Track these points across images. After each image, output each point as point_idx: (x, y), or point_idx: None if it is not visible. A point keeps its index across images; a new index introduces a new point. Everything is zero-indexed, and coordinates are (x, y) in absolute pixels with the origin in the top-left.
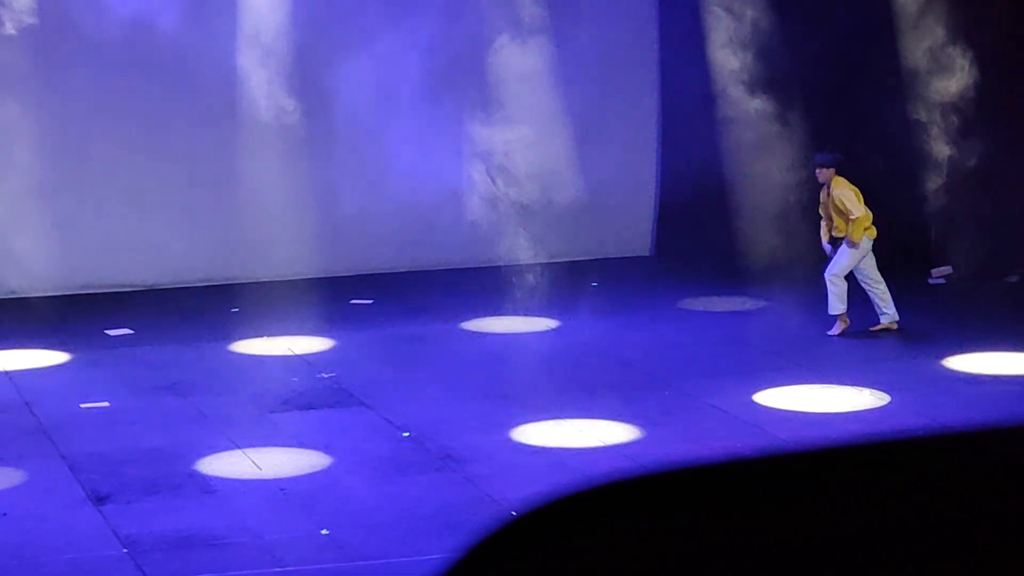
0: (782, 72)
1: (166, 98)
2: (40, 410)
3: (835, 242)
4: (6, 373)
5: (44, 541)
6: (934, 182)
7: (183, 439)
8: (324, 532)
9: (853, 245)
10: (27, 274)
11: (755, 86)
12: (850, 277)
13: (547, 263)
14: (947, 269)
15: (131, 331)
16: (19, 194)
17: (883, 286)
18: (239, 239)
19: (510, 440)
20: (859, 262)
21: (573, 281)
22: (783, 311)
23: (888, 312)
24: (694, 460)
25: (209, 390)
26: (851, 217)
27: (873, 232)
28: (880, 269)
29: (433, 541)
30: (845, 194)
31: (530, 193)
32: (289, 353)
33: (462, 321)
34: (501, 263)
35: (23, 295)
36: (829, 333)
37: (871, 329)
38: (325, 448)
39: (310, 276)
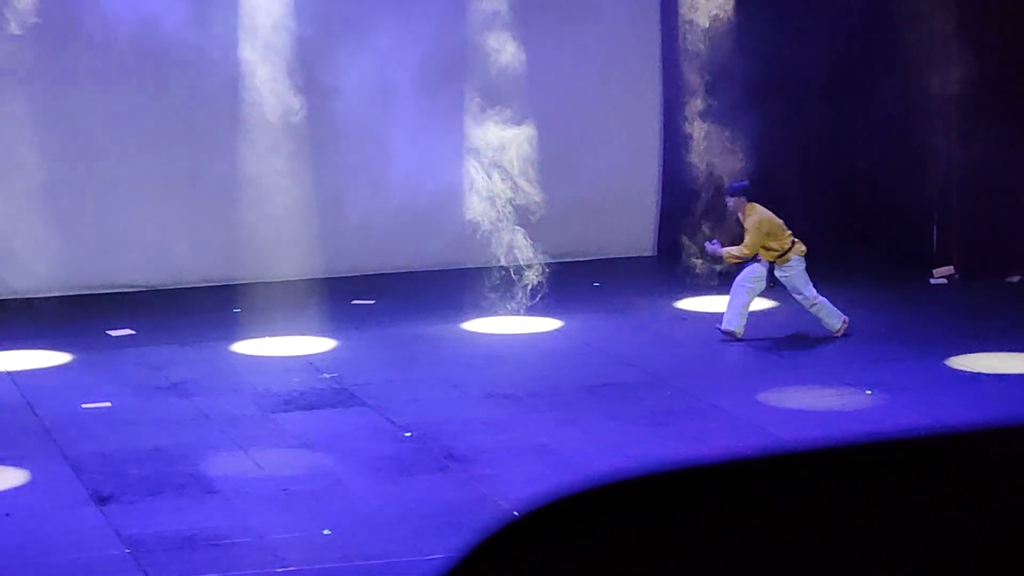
0: (784, 71)
1: (169, 99)
2: (42, 410)
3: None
4: (8, 373)
5: (47, 541)
6: (936, 182)
7: (185, 439)
8: (326, 532)
9: (759, 260)
10: (30, 274)
11: (757, 85)
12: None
13: (548, 263)
14: (949, 269)
15: (133, 331)
16: (22, 194)
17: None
18: (241, 240)
19: (512, 440)
20: (801, 274)
21: (575, 281)
22: (786, 311)
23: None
24: (695, 460)
25: (211, 390)
26: (743, 246)
27: (801, 248)
28: (882, 269)
29: (435, 541)
30: (752, 222)
31: (532, 193)
32: (291, 354)
33: (464, 321)
34: (503, 263)
35: (26, 295)
36: (835, 333)
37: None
38: (327, 448)
39: (312, 276)
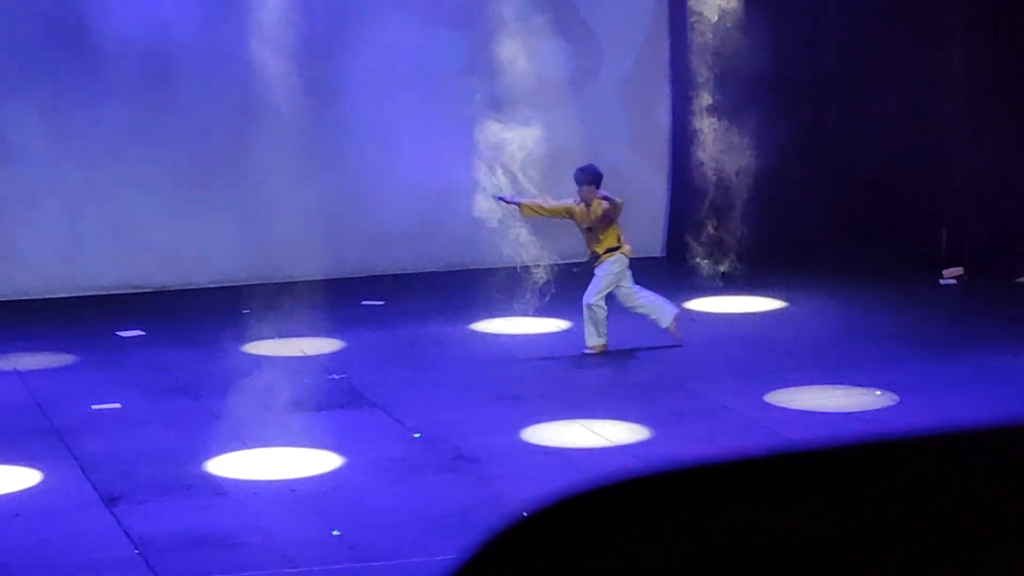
0: (788, 70)
1: (177, 98)
2: (52, 411)
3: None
4: (18, 374)
5: (56, 542)
6: (946, 182)
7: (194, 440)
8: (335, 533)
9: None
10: (38, 275)
11: (766, 83)
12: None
13: (558, 264)
14: (958, 270)
15: (142, 332)
16: (30, 195)
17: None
18: (250, 241)
19: (521, 441)
20: (610, 276)
21: (584, 282)
22: (796, 312)
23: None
24: (702, 459)
25: (220, 391)
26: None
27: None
28: (891, 270)
29: (444, 542)
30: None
31: (540, 192)
32: (300, 354)
33: (473, 322)
34: (512, 264)
35: (34, 296)
36: (589, 349)
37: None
38: (336, 449)
39: (321, 277)
